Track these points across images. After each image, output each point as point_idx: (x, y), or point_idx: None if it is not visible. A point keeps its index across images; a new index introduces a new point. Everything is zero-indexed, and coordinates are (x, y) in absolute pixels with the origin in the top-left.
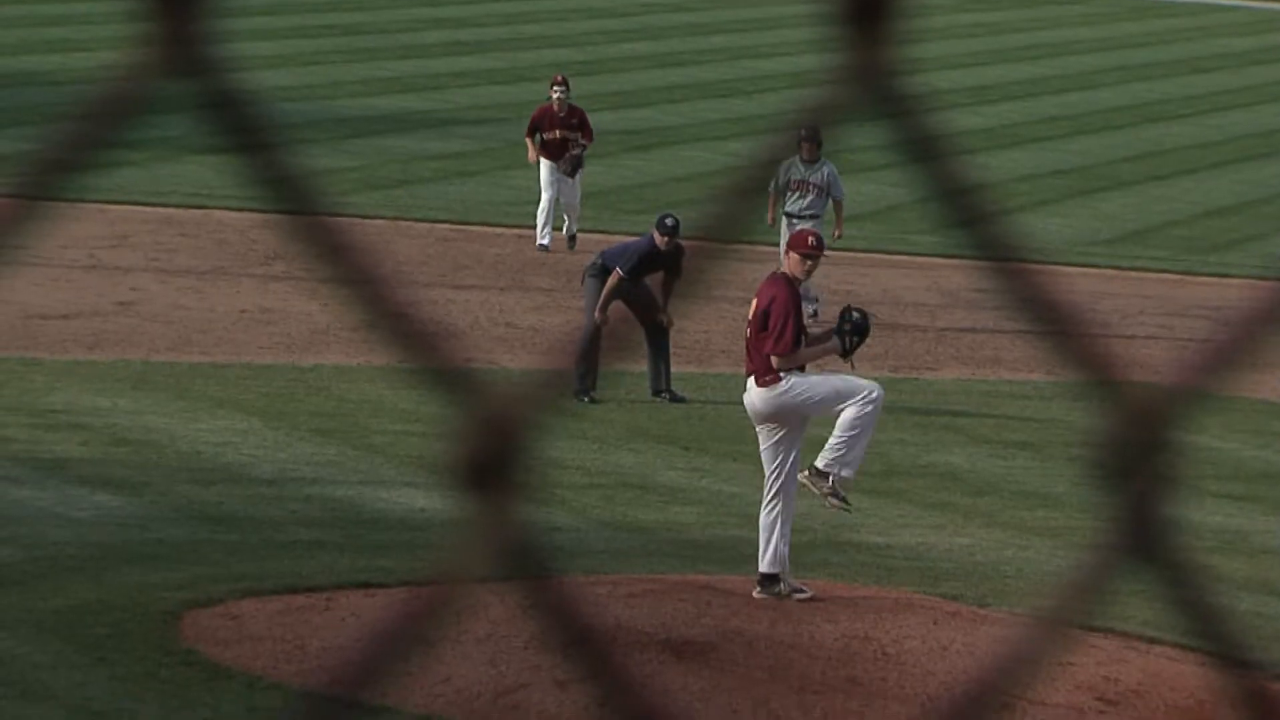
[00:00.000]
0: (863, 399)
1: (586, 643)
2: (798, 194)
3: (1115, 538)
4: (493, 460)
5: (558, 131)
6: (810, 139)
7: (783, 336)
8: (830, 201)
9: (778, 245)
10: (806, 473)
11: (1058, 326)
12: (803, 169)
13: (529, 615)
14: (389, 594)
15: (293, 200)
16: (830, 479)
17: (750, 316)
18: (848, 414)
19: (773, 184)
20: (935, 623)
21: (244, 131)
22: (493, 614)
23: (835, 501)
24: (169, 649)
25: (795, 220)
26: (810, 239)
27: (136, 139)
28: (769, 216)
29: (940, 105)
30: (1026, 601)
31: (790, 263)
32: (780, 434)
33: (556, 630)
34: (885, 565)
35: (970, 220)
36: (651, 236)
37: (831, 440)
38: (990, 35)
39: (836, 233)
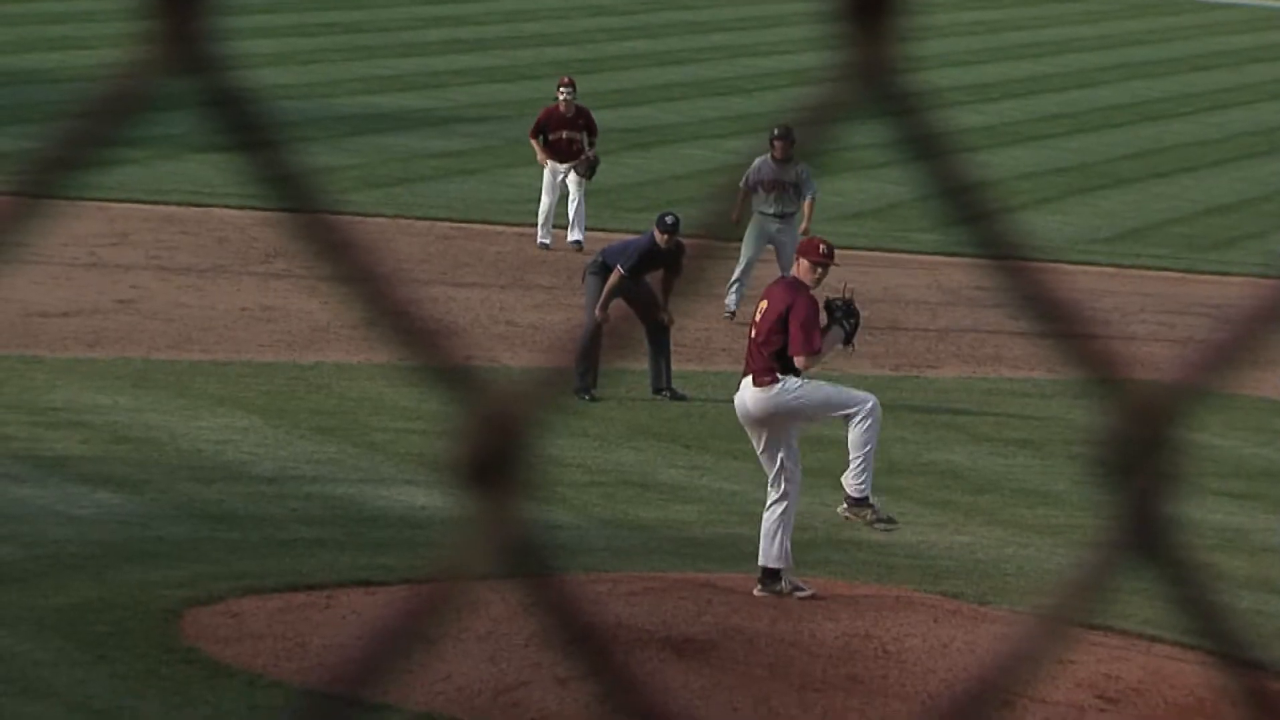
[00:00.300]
0: (862, 415)
1: (587, 640)
2: (772, 194)
3: (1117, 535)
4: (494, 458)
5: (564, 132)
6: (783, 137)
7: (811, 339)
8: (802, 199)
9: (758, 245)
10: (844, 508)
11: (1059, 324)
12: (775, 168)
13: (530, 613)
14: (390, 592)
15: (293, 198)
16: (871, 505)
17: (757, 318)
18: (855, 435)
19: (742, 181)
20: (936, 620)
21: (245, 129)
22: (493, 611)
23: (883, 525)
24: (170, 647)
25: (769, 220)
26: (821, 247)
27: (137, 137)
28: (734, 214)
29: (941, 103)
30: (1027, 599)
31: (800, 269)
32: (768, 438)
33: (557, 628)
34: (886, 563)
35: (972, 218)
36: (652, 234)
37: (851, 466)
38: (991, 33)
39: (804, 227)
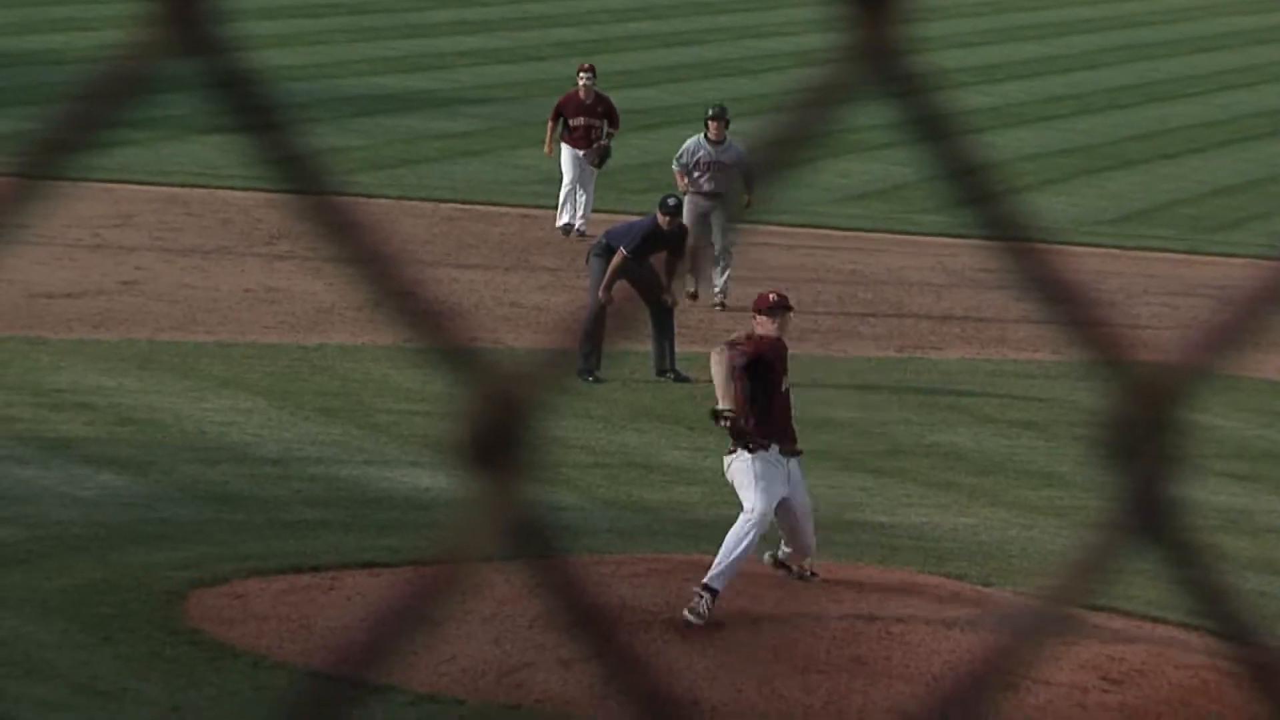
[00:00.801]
0: (744, 517)
1: (591, 622)
2: (707, 174)
3: (1120, 517)
4: (498, 439)
5: (583, 119)
6: (717, 118)
7: (724, 397)
8: (739, 177)
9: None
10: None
11: (1064, 305)
12: (711, 149)
13: (534, 594)
14: (394, 573)
15: (299, 179)
16: (714, 593)
17: None
18: (732, 531)
19: (675, 162)
20: (940, 602)
21: (250, 111)
22: (498, 593)
23: (696, 617)
24: (174, 628)
25: (702, 200)
26: (772, 296)
27: (141, 118)
28: (681, 187)
29: (946, 84)
30: (1031, 581)
31: (759, 324)
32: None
33: (562, 609)
34: (890, 545)
35: (978, 199)
36: (655, 217)
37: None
38: (995, 14)
39: (747, 200)
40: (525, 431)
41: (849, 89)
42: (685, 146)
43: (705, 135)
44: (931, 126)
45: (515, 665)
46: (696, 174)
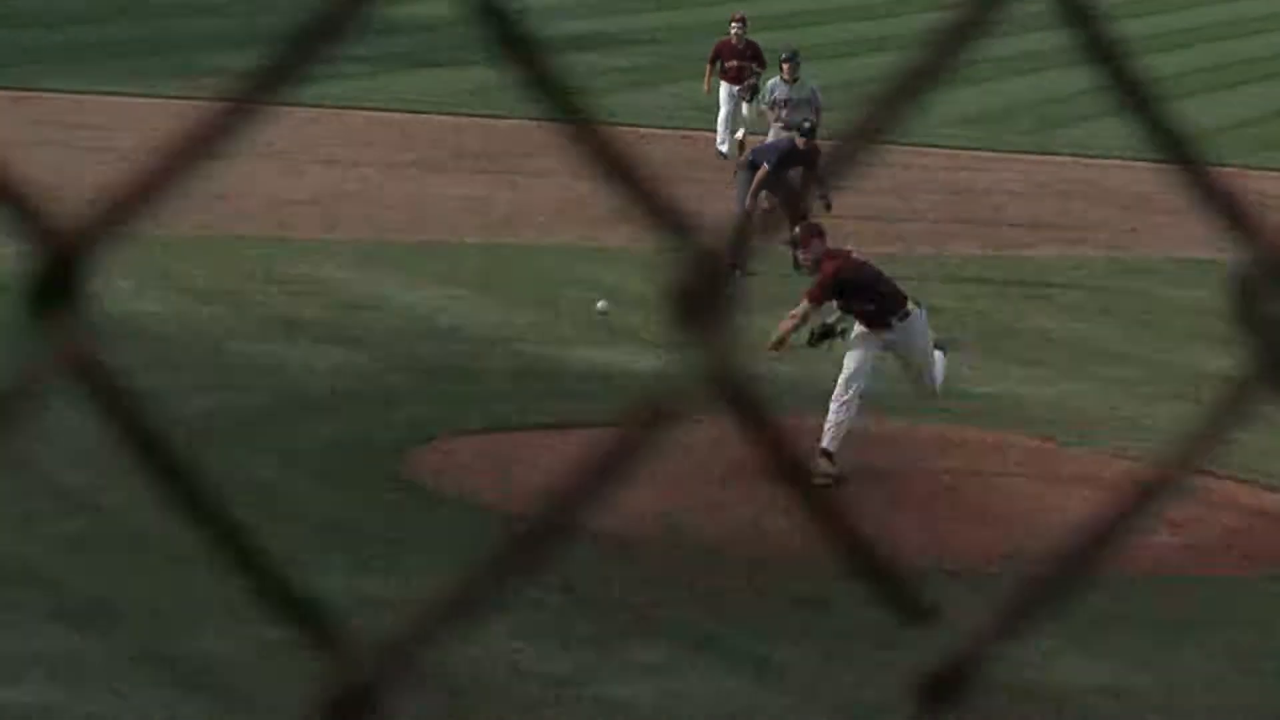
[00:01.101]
0: (842, 390)
1: (789, 475)
2: (785, 109)
3: (1253, 370)
4: (705, 296)
5: (735, 61)
6: (789, 60)
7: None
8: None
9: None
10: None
11: (1191, 164)
12: (786, 88)
13: (717, 447)
14: (589, 432)
15: (553, 101)
16: (828, 456)
17: None
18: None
19: (760, 102)
20: (1034, 461)
21: (505, 42)
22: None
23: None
24: (392, 477)
25: (791, 131)
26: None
27: (367, 54)
28: (769, 120)
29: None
30: (1116, 443)
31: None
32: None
33: (760, 461)
34: (990, 410)
35: (1136, 107)
36: (793, 138)
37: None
38: None
39: (819, 137)
40: (729, 291)
41: (985, 26)
42: (766, 86)
43: (780, 76)
44: (1099, 49)
45: (673, 509)
46: (779, 110)
